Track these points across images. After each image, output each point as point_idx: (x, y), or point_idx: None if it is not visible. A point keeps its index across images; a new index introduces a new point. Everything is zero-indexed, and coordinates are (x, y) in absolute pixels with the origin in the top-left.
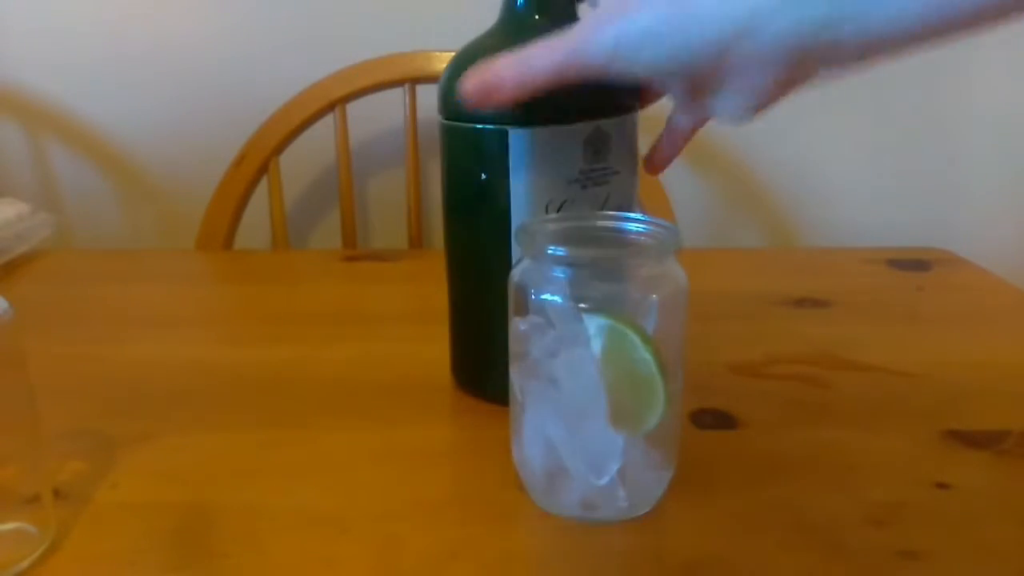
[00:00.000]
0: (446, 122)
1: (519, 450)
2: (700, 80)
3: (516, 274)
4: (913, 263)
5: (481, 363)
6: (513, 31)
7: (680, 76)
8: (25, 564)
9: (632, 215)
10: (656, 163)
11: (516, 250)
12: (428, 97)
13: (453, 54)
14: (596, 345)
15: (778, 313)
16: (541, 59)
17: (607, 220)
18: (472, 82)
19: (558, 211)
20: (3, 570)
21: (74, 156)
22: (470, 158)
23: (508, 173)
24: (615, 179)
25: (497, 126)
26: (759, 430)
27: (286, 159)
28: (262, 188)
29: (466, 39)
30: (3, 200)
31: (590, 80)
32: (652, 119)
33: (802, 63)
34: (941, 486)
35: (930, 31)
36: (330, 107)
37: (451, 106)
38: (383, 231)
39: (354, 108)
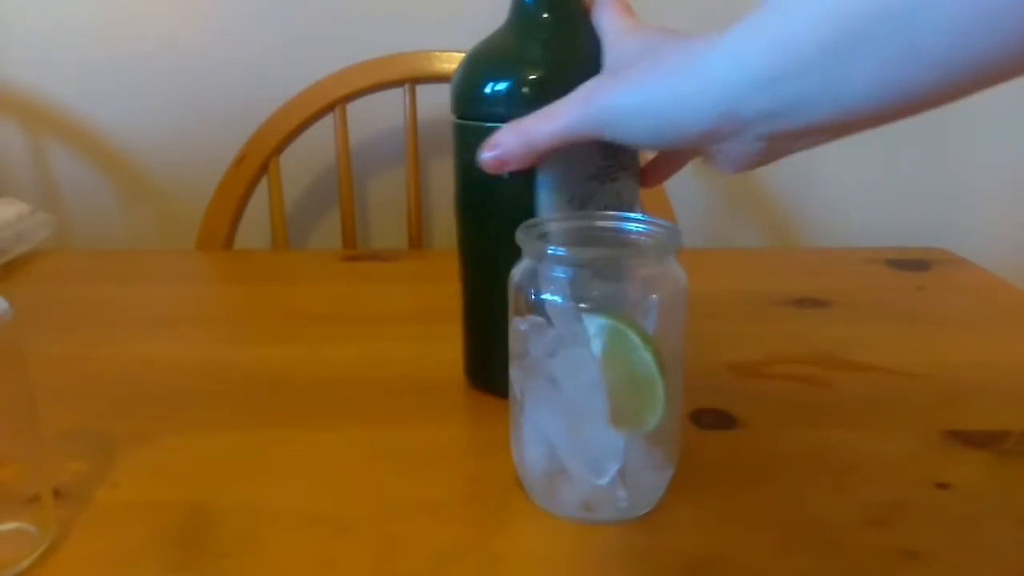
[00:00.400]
0: (462, 122)
1: (519, 450)
2: (683, 149)
3: (516, 274)
4: (913, 263)
5: (501, 362)
6: (522, 29)
7: (663, 146)
8: (25, 564)
9: (632, 215)
10: (652, 179)
11: None
12: (428, 97)
13: (453, 54)
14: (596, 345)
15: (778, 313)
16: (540, 130)
17: (607, 220)
18: (486, 155)
19: (580, 207)
20: (3, 570)
21: (74, 156)
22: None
23: (534, 170)
24: (623, 175)
25: None
26: (759, 430)
27: (286, 159)
28: (262, 188)
29: (465, 39)
30: (3, 200)
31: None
32: None
33: (777, 139)
34: (941, 486)
35: (891, 112)
36: (330, 107)
37: (467, 105)
38: (383, 231)
39: (354, 108)
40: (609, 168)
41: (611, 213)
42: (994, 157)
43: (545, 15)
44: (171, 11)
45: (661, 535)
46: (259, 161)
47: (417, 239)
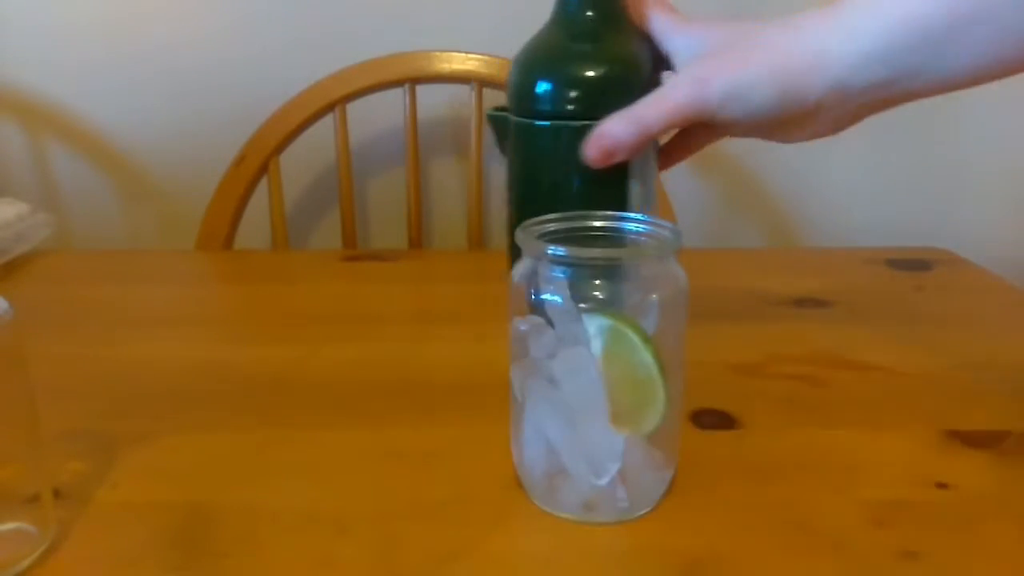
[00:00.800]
0: (526, 121)
1: (519, 451)
2: (786, 119)
3: (516, 274)
4: (913, 263)
5: None
6: (567, 26)
7: (776, 118)
8: (25, 564)
9: (632, 215)
10: (669, 162)
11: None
12: (428, 97)
13: (453, 54)
14: (596, 345)
15: (778, 313)
16: (653, 113)
17: (607, 220)
18: (593, 149)
19: (649, 199)
20: (3, 570)
21: (74, 156)
22: (573, 156)
23: (624, 164)
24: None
25: None
26: (759, 430)
27: (286, 159)
28: (262, 188)
29: (466, 39)
30: (3, 200)
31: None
32: None
33: (868, 107)
34: (941, 486)
35: (980, 81)
36: (330, 107)
37: (531, 105)
38: (383, 231)
39: (354, 108)
40: (656, 158)
41: (611, 213)
42: (994, 157)
43: (589, 13)
44: (171, 11)
45: (661, 535)
46: (259, 161)
47: (417, 239)
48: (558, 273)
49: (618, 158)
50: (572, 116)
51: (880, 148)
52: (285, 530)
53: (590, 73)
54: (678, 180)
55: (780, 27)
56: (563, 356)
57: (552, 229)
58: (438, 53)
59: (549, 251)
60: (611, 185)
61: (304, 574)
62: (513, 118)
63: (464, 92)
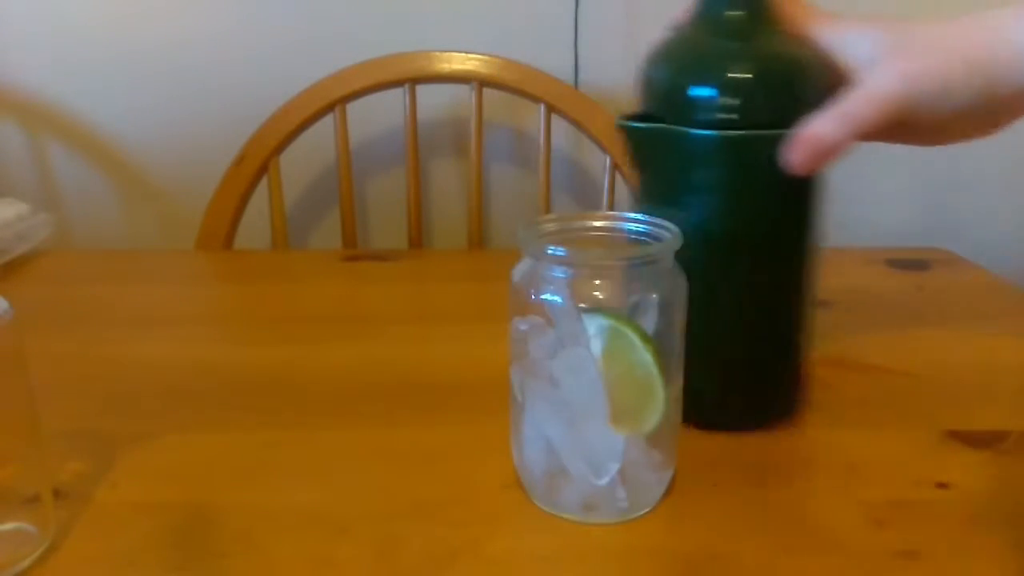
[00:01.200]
0: (680, 128)
1: (519, 450)
2: (967, 116)
3: (516, 274)
4: (913, 263)
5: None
6: (710, 24)
7: (964, 113)
8: (25, 564)
9: (632, 215)
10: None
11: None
12: (428, 97)
13: (453, 54)
14: (596, 345)
15: None
16: (864, 109)
17: (607, 220)
18: (799, 152)
19: None
20: (3, 570)
21: (74, 156)
22: (753, 168)
23: (813, 176)
24: None
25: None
26: (759, 430)
27: (286, 159)
28: (262, 188)
29: (465, 38)
30: (3, 200)
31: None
32: None
33: None
34: (941, 486)
35: None
36: (330, 107)
37: (689, 111)
38: (383, 231)
39: (354, 108)
40: None
41: (611, 213)
42: (994, 157)
43: (729, 12)
44: (171, 11)
45: (661, 535)
46: (259, 161)
47: (417, 239)
48: (558, 273)
49: (827, 162)
50: (748, 125)
51: (880, 148)
52: (285, 530)
53: (765, 76)
54: None
55: (973, 24)
56: (563, 356)
57: (552, 229)
58: (438, 53)
59: (549, 251)
60: (796, 198)
61: (304, 574)
62: (665, 127)
63: (464, 92)
